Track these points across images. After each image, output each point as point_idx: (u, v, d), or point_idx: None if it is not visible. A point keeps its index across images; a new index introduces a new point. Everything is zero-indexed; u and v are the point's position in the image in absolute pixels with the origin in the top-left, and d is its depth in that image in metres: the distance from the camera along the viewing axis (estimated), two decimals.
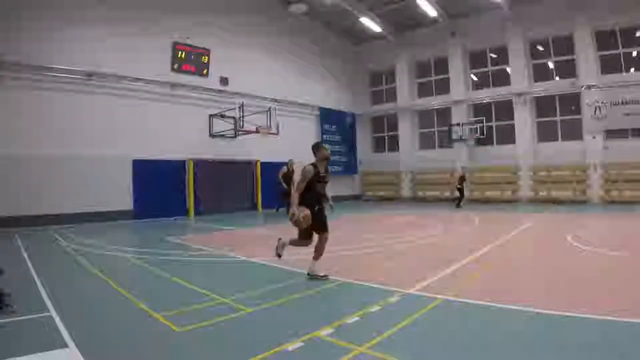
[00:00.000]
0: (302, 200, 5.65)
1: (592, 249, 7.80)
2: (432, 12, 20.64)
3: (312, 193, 5.70)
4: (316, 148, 5.96)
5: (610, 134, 19.23)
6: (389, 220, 14.77)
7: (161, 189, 16.06)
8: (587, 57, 19.30)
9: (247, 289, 5.35)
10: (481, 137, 21.37)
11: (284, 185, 15.42)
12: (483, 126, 21.14)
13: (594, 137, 18.94)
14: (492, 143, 21.74)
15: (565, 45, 20.08)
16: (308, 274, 5.82)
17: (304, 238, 5.86)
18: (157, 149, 16.00)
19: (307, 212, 5.58)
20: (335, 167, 23.08)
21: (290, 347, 3.39)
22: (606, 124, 18.87)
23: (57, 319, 4.22)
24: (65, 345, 3.54)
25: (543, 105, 20.93)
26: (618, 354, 3.20)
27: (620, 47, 19.02)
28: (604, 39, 19.44)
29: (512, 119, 20.83)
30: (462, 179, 18.36)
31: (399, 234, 10.31)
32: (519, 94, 20.41)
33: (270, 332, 3.86)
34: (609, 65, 19.39)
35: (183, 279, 6.04)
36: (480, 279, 5.64)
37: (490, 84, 21.97)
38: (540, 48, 21.11)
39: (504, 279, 5.86)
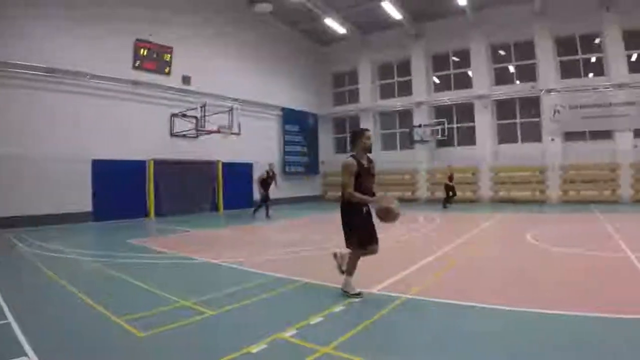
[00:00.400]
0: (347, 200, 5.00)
1: (550, 247, 8.38)
2: (396, 15, 21.63)
3: (360, 191, 4.93)
4: (357, 136, 5.15)
5: (569, 136, 20.72)
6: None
7: (121, 190, 15.90)
8: (547, 62, 20.94)
9: (210, 292, 5.44)
10: (443, 138, 22.47)
11: (262, 190, 15.74)
12: (444, 128, 22.26)
13: (552, 140, 20.51)
14: (454, 144, 23.05)
15: (526, 50, 21.60)
16: (343, 290, 5.14)
17: (363, 244, 4.97)
18: (117, 149, 15.81)
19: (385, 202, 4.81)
20: (297, 167, 24.01)
21: (255, 349, 3.51)
22: (564, 127, 20.48)
23: (16, 327, 4.16)
24: (24, 354, 3.49)
25: (503, 108, 22.30)
26: (575, 347, 3.47)
27: (580, 53, 20.79)
28: (564, 45, 21.10)
29: (473, 121, 22.30)
30: (451, 178, 18.43)
31: None
32: (480, 97, 21.90)
33: (234, 334, 3.99)
34: (568, 70, 21.02)
35: (145, 282, 6.05)
36: (442, 277, 5.87)
37: (452, 86, 23.39)
38: (502, 52, 22.54)
39: (465, 278, 6.14)
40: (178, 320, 4.33)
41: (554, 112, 20.52)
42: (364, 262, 5.37)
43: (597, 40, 20.87)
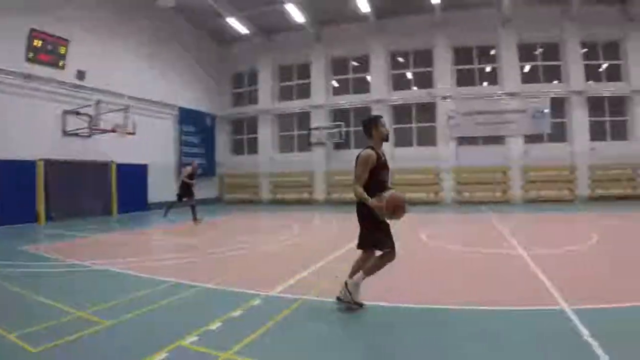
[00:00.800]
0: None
1: (443, 244, 9.83)
2: (299, 18, 23.66)
3: (377, 184, 5.03)
4: (374, 123, 5.26)
5: (462, 141, 23.68)
6: (247, 222, 16.79)
7: (7, 193, 15.58)
8: (444, 70, 24.00)
9: (106, 300, 5.57)
10: (340, 141, 24.81)
11: (190, 182, 16.23)
12: (342, 131, 24.69)
13: (447, 144, 23.54)
14: (351, 147, 25.13)
15: (424, 58, 24.49)
16: (338, 299, 5.18)
17: (385, 247, 5.10)
18: (4, 148, 15.58)
19: (387, 194, 4.93)
20: None
21: (155, 358, 3.80)
22: (458, 132, 23.51)
23: None
24: None
25: (400, 113, 24.93)
26: (455, 341, 4.21)
27: (476, 63, 24.29)
28: (461, 54, 24.26)
29: None
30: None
31: (260, 236, 11.91)
32: (378, 101, 24.51)
33: (133, 344, 4.22)
34: (464, 78, 24.07)
35: (37, 292, 6.06)
36: (342, 278, 5.94)
37: (351, 90, 26.02)
38: (401, 59, 25.30)
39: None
40: (73, 332, 4.41)
41: (449, 118, 23.64)
42: (264, 264, 6.56)
43: (492, 52, 24.23)
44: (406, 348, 4.11)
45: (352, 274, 5.19)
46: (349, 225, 14.99)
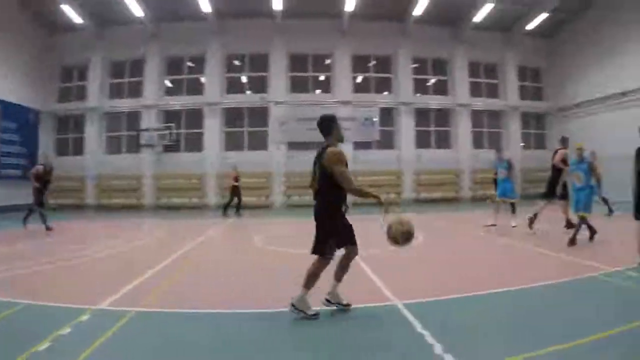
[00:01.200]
0: (331, 199, 4.95)
1: (276, 248, 9.93)
2: (138, 11, 22.65)
3: (340, 189, 4.95)
4: (334, 123, 5.17)
5: (293, 146, 23.88)
6: (73, 229, 15.57)
7: None
8: (279, 75, 24.22)
9: None
10: (171, 143, 23.86)
11: (37, 185, 13.87)
12: (173, 132, 23.82)
13: (277, 148, 23.72)
14: (181, 150, 24.59)
15: (260, 62, 24.69)
16: (293, 306, 4.96)
17: (344, 243, 5.09)
18: None
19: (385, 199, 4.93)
20: (14, 170, 23.06)
21: None
22: (289, 137, 23.75)
23: None
24: None
25: (233, 116, 24.76)
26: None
27: (311, 70, 24.88)
28: (297, 61, 24.75)
29: (202, 127, 24.31)
30: (237, 179, 18.83)
31: (86, 245, 11.26)
32: (211, 104, 24.04)
33: None
34: (298, 85, 24.52)
35: None
36: (172, 286, 6.25)
37: (184, 91, 25.24)
38: (237, 62, 25.10)
39: (193, 285, 6.80)
40: None
41: (281, 123, 23.83)
42: (92, 273, 6.47)
43: (328, 61, 24.85)
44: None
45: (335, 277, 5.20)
46: (180, 231, 14.39)
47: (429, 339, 4.22)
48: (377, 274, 7.13)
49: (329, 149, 4.93)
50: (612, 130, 19.45)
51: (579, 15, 25.78)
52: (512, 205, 13.14)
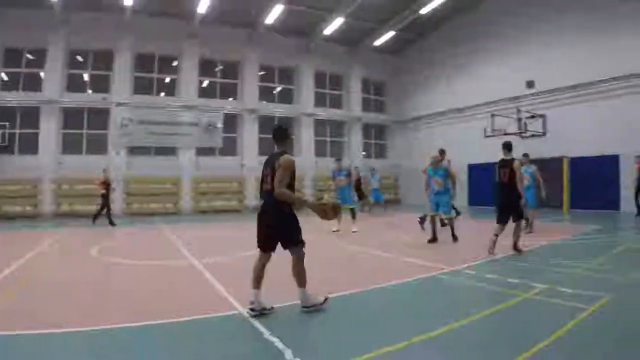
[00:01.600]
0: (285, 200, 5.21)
1: (119, 259, 9.54)
2: None
3: (292, 190, 5.35)
4: (288, 133, 5.65)
5: (134, 150, 23.79)
6: None
7: None
8: (123, 75, 23.67)
9: None
10: (3, 145, 22.07)
11: None
12: (6, 133, 22.10)
13: (118, 153, 23.31)
14: (15, 153, 23.08)
15: (105, 60, 23.93)
16: (305, 307, 5.38)
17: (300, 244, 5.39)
18: None
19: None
20: None
21: None
22: (131, 141, 23.53)
23: None
24: None
25: (72, 116, 23.71)
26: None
27: (157, 71, 24.60)
28: (142, 62, 24.32)
29: (39, 127, 22.94)
30: (105, 183, 17.93)
31: None
32: (50, 102, 22.93)
33: None
34: (142, 86, 24.18)
35: None
36: (4, 305, 5.80)
37: (21, 87, 23.48)
38: (80, 58, 24.22)
39: (29, 302, 6.13)
40: None
41: (122, 126, 23.46)
42: None
43: (175, 63, 24.91)
44: None
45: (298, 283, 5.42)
46: (11, 245, 13.42)
47: (279, 344, 4.36)
48: (222, 283, 7.14)
49: (286, 156, 5.36)
50: (448, 143, 21.51)
51: (424, 36, 28.72)
52: (352, 211, 14.70)
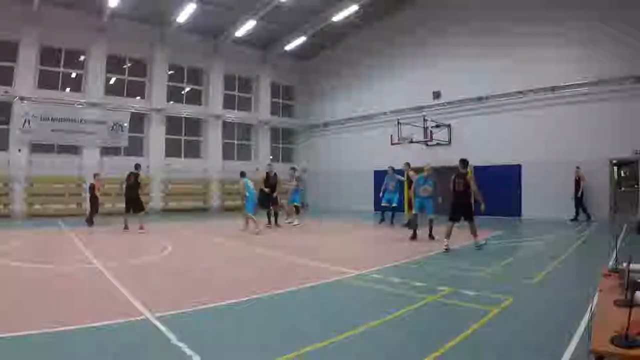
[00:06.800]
0: None
1: (8, 261, 9.56)
2: None
3: None
4: None
5: (36, 148, 24.55)
6: None
7: None
8: (27, 68, 24.22)
9: None
10: None
11: None
12: None
13: (19, 150, 23.98)
14: None
15: (8, 51, 24.25)
16: None
17: None
18: None
19: None
20: None
21: None
22: (34, 138, 24.31)
23: None
24: None
25: None
26: None
27: (62, 66, 25.45)
28: (48, 55, 25.01)
29: None
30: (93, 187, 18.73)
31: None
32: None
33: None
34: (46, 81, 24.91)
35: None
36: None
37: None
38: None
39: None
40: None
41: (25, 122, 24.09)
42: None
43: (82, 58, 25.90)
44: None
45: None
46: None
47: (187, 350, 4.50)
48: (127, 287, 7.26)
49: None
50: (354, 149, 24.11)
51: (334, 43, 31.59)
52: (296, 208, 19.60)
